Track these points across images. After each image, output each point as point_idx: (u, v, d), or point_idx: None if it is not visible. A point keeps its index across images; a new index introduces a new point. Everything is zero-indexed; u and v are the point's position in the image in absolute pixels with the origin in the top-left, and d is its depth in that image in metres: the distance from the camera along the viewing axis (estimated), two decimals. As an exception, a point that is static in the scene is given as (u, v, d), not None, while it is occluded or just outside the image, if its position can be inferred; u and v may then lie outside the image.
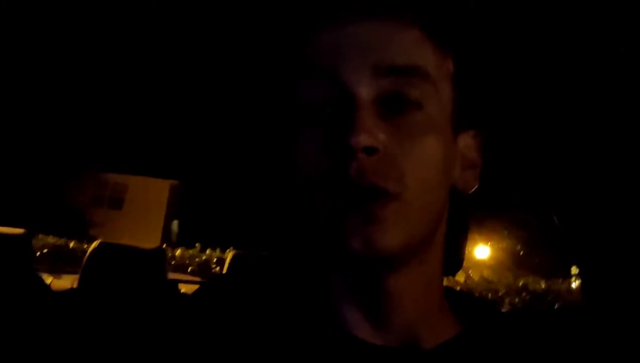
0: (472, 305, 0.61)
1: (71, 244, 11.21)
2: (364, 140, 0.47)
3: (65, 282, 2.91)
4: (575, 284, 10.74)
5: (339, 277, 0.54)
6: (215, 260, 12.09)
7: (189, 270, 11.69)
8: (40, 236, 11.14)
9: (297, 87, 0.54)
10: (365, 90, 0.50)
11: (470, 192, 0.58)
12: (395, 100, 0.51)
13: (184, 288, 3.08)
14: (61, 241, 11.44)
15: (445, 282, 0.63)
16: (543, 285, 11.15)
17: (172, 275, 3.32)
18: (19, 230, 2.55)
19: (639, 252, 0.58)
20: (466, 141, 0.58)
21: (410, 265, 0.52)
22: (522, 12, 0.61)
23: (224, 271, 3.05)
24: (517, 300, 10.29)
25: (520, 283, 11.17)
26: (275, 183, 0.60)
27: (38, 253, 10.12)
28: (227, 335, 0.51)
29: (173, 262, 11.46)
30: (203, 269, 11.71)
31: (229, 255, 3.07)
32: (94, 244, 2.69)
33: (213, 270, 11.24)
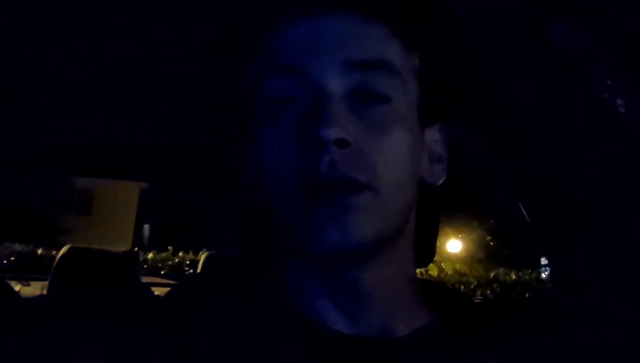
0: (444, 295, 0.62)
1: (39, 251, 10.95)
2: (335, 132, 0.47)
3: (35, 288, 2.84)
4: (544, 274, 10.94)
5: (308, 271, 0.54)
6: (188, 262, 11.97)
7: (162, 273, 11.54)
8: (6, 244, 10.86)
9: (262, 82, 0.53)
10: (335, 85, 0.51)
11: (438, 184, 0.59)
12: (364, 94, 0.51)
13: (157, 291, 3.04)
14: (28, 248, 11.17)
15: (418, 275, 0.64)
16: (513, 277, 11.34)
17: (145, 279, 3.28)
18: (-16, 238, 2.48)
19: (608, 242, 0.59)
20: (432, 135, 0.59)
21: (382, 257, 0.53)
22: (489, 10, 0.61)
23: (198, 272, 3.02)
24: (488, 292, 10.45)
25: (491, 275, 11.35)
26: (240, 183, 0.59)
27: (5, 262, 9.87)
28: (201, 334, 0.51)
29: (145, 266, 11.30)
30: (176, 272, 11.58)
31: (202, 256, 3.05)
32: (64, 249, 2.63)
33: (186, 273, 11.12)
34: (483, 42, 0.61)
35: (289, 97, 0.52)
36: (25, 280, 3.05)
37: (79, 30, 0.86)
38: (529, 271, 11.52)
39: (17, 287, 2.72)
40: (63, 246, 2.73)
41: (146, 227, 17.38)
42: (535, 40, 0.59)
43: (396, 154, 0.51)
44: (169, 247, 13.05)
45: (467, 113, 0.70)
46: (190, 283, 0.62)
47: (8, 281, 2.60)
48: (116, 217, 15.90)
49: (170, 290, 0.59)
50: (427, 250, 0.66)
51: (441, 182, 0.59)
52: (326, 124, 0.48)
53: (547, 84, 0.60)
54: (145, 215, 16.88)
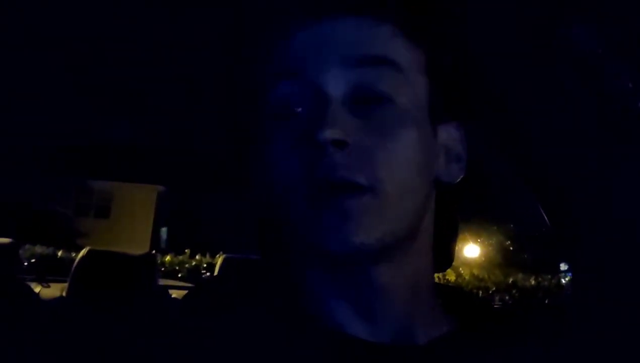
0: (464, 301, 0.61)
1: (59, 253, 11.09)
2: (332, 133, 0.47)
3: (54, 290, 2.87)
4: (564, 280, 10.80)
5: (323, 274, 0.53)
6: (205, 265, 12.02)
7: (179, 276, 11.61)
8: (27, 246, 11.01)
9: (268, 88, 0.54)
10: (334, 85, 0.50)
11: (456, 182, 0.58)
12: (365, 93, 0.51)
13: (174, 294, 3.06)
14: (48, 250, 11.31)
15: (436, 280, 0.63)
16: (532, 282, 11.20)
17: (162, 282, 3.30)
18: (5, 240, 2.52)
19: (629, 247, 0.58)
20: (449, 133, 0.58)
21: (395, 259, 0.52)
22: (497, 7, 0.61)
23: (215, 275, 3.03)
24: (507, 297, 10.33)
25: (510, 281, 11.22)
26: (252, 186, 0.60)
27: (26, 263, 10.00)
28: (217, 337, 0.51)
29: (163, 269, 11.38)
30: (193, 275, 11.63)
31: (219, 259, 3.05)
32: (83, 251, 2.66)
33: (203, 276, 11.17)
34: (491, 40, 0.60)
35: (293, 102, 0.52)
36: (45, 281, 3.08)
37: (89, 31, 0.87)
38: (549, 276, 11.36)
39: (37, 289, 2.76)
40: (82, 248, 2.76)
41: (163, 229, 17.51)
42: (545, 40, 0.58)
43: (400, 153, 0.50)
44: (186, 250, 13.12)
45: (483, 112, 0.69)
46: (206, 287, 0.62)
47: (28, 282, 2.63)
48: (134, 220, 16.03)
49: (187, 293, 0.59)
50: (445, 254, 0.65)
51: (458, 180, 0.58)
52: (323, 125, 0.47)
53: (560, 84, 0.59)
54: (162, 218, 17.01)
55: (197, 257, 12.74)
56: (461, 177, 0.58)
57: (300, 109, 0.51)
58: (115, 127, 1.43)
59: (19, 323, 1.83)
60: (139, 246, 12.90)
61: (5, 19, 0.81)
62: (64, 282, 2.72)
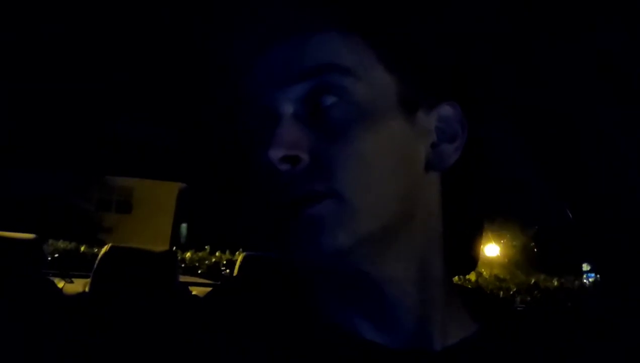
0: (486, 303, 0.60)
1: (82, 248, 11.27)
2: (277, 152, 0.48)
3: (77, 286, 2.92)
4: (587, 281, 10.66)
5: (324, 278, 0.53)
6: (225, 262, 12.10)
7: (199, 273, 11.72)
8: (51, 241, 11.21)
9: (239, 114, 0.56)
10: (283, 103, 0.51)
11: (449, 166, 0.55)
12: (315, 102, 0.51)
13: (195, 291, 3.09)
14: (71, 245, 11.50)
15: (456, 280, 0.62)
16: (555, 283, 11.07)
17: (182, 278, 3.34)
18: (29, 236, 2.56)
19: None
20: (442, 113, 0.56)
21: (386, 254, 0.51)
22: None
23: (235, 273, 3.05)
24: (528, 298, 10.22)
25: (532, 281, 11.10)
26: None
27: (49, 258, 10.19)
28: (239, 337, 0.51)
29: (183, 265, 11.49)
30: (213, 271, 11.73)
31: (239, 257, 3.08)
32: (105, 248, 2.70)
33: (223, 273, 11.26)
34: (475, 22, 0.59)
35: (254, 126, 0.54)
36: (68, 277, 3.13)
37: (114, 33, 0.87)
38: (572, 278, 11.21)
39: (60, 284, 2.80)
40: (104, 243, 2.80)
41: (183, 226, 17.69)
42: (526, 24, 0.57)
43: (359, 153, 0.49)
44: (206, 247, 13.23)
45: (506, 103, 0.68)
46: (228, 286, 0.62)
47: (52, 277, 2.67)
48: (155, 216, 16.22)
49: (209, 292, 0.59)
50: (464, 254, 0.63)
51: (452, 163, 0.55)
52: (271, 145, 0.48)
53: (584, 80, 0.58)
54: (183, 213, 17.17)
55: (217, 253, 12.83)
56: (455, 158, 0.56)
57: (264, 132, 0.52)
58: (137, 126, 1.45)
59: (42, 319, 1.86)
60: (159, 241, 13.05)
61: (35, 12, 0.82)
62: (87, 276, 2.76)
